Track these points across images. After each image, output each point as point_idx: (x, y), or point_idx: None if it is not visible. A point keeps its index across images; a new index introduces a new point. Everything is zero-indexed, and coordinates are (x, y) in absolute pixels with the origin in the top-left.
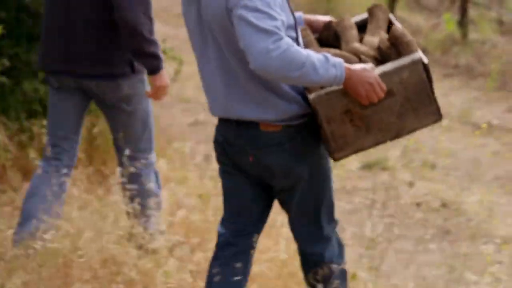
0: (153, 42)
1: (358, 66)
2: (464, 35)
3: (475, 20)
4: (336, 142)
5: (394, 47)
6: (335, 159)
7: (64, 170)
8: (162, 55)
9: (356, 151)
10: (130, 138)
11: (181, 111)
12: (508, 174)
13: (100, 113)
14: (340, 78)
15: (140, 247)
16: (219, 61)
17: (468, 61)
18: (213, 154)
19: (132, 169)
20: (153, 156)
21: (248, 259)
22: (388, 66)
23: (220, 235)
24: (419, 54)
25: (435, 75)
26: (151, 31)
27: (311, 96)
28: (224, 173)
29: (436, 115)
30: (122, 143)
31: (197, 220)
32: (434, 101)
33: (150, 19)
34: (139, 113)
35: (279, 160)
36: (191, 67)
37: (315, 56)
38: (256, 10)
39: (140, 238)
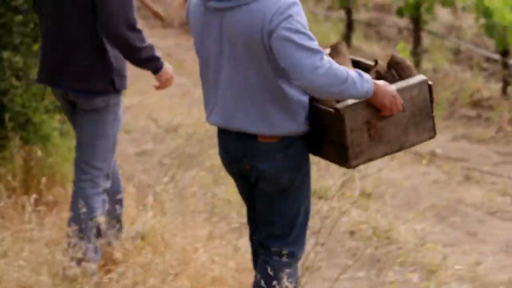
0: (147, 48)
1: (381, 82)
2: (417, 64)
3: (429, 50)
4: (354, 150)
5: (395, 70)
6: (351, 166)
7: None
8: (159, 54)
9: (368, 160)
10: (85, 155)
11: (127, 141)
12: (445, 203)
13: (38, 141)
14: (371, 92)
15: (56, 274)
16: (233, 74)
17: None
18: None
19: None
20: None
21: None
22: (399, 85)
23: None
24: (423, 76)
25: None
26: (141, 40)
27: (339, 106)
28: (235, 182)
29: (431, 132)
30: (78, 159)
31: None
32: (432, 118)
33: (136, 31)
34: (99, 134)
35: (272, 167)
36: (128, 98)
37: (352, 72)
38: (298, 31)
39: (58, 265)
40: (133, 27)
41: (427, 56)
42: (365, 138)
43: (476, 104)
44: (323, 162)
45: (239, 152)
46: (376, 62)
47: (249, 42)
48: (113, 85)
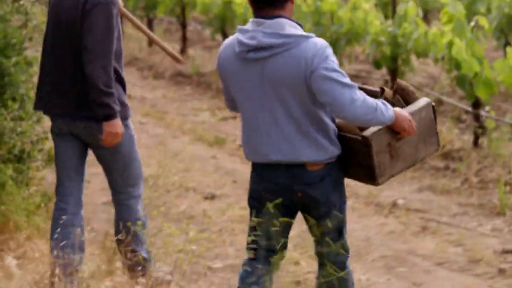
0: (107, 93)
1: (397, 109)
2: None
3: None
4: (380, 169)
5: (401, 96)
6: (378, 184)
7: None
8: (116, 106)
9: (390, 176)
10: (113, 176)
11: (97, 190)
12: (395, 254)
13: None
14: (393, 118)
15: None
16: (279, 112)
17: None
18: None
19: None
20: (138, 189)
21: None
22: (409, 109)
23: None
24: (427, 99)
25: None
26: (106, 84)
27: (367, 134)
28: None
29: (436, 145)
30: (112, 183)
31: None
32: (436, 134)
33: (107, 73)
34: (120, 153)
35: (321, 192)
36: None
37: (378, 102)
38: (335, 70)
39: None
40: (105, 70)
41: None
42: (387, 158)
43: (447, 155)
44: None
45: (289, 182)
46: (382, 89)
47: (292, 82)
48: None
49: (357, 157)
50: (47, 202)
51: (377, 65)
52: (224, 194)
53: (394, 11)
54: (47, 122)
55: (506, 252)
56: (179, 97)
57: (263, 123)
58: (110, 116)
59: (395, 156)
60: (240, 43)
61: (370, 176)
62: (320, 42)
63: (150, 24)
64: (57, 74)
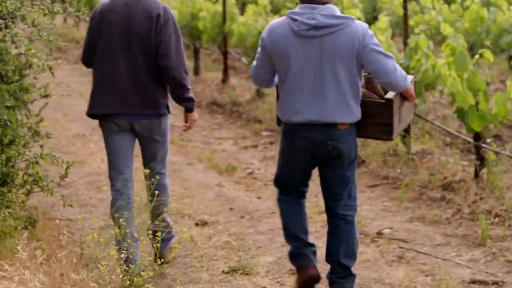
0: (190, 90)
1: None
2: (407, 147)
3: (419, 133)
4: (394, 127)
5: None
6: (393, 139)
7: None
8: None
9: (397, 134)
10: (157, 159)
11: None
12: (362, 282)
13: None
14: (409, 86)
15: None
16: (329, 82)
17: (400, 173)
18: None
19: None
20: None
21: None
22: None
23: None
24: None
25: (360, 187)
26: (189, 83)
27: (389, 97)
28: (294, 166)
29: (413, 113)
30: (151, 162)
31: None
32: (415, 104)
33: (187, 74)
34: (165, 143)
35: (346, 146)
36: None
37: (404, 72)
38: (379, 46)
39: None
40: (186, 72)
41: (417, 139)
42: (397, 118)
43: (446, 186)
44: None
45: (324, 137)
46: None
47: (346, 55)
48: (168, 109)
49: (377, 118)
50: (27, 225)
51: None
52: (217, 221)
53: (405, 43)
54: (35, 148)
55: (473, 282)
56: (209, 126)
57: (310, 90)
58: (193, 107)
59: (401, 118)
60: (300, 22)
61: (387, 132)
62: (364, 24)
63: (196, 54)
64: (128, 79)
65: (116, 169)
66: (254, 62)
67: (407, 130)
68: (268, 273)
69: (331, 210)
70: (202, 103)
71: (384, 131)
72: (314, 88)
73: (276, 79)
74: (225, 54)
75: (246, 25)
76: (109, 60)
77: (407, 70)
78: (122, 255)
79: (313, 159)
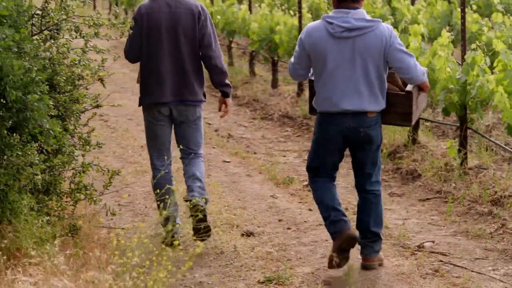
0: (227, 75)
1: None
2: (463, 161)
3: (476, 147)
4: (413, 115)
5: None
6: (412, 125)
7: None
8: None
9: (416, 120)
10: (194, 142)
11: None
12: None
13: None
14: (426, 79)
15: None
16: (361, 74)
17: (453, 187)
18: None
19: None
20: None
21: (335, 185)
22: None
23: (317, 180)
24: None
25: (411, 200)
26: (227, 70)
27: (410, 88)
28: (328, 151)
29: (425, 103)
30: (188, 145)
31: None
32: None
33: (222, 62)
34: (201, 127)
35: (375, 132)
36: None
37: (422, 68)
38: (402, 45)
39: None
40: (223, 61)
41: (475, 155)
42: (414, 107)
43: (496, 201)
44: None
45: (356, 124)
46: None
47: (375, 53)
48: (204, 96)
49: (397, 107)
50: (67, 232)
51: (445, 112)
52: (263, 232)
53: (463, 59)
54: (90, 157)
55: None
56: (276, 138)
57: (345, 83)
58: (230, 92)
59: (416, 106)
60: (336, 25)
61: (406, 119)
62: (389, 25)
63: (274, 66)
64: (174, 70)
65: (158, 151)
66: (292, 59)
67: (463, 145)
68: (302, 284)
69: (362, 187)
70: (274, 116)
71: (404, 119)
72: (348, 82)
73: (310, 74)
74: None
75: None
76: (158, 54)
77: (464, 85)
78: (164, 214)
79: (345, 144)
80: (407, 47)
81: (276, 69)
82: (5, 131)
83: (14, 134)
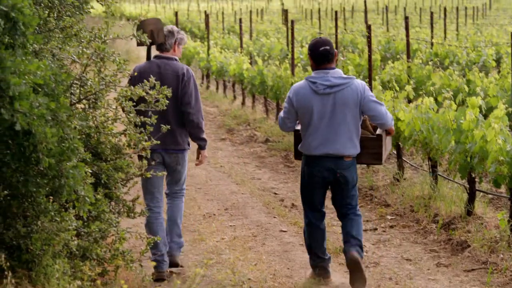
0: (204, 132)
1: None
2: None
3: None
4: (383, 155)
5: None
6: (382, 163)
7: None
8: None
9: (385, 159)
10: (178, 182)
11: None
12: None
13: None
14: (392, 124)
15: None
16: (340, 123)
17: (501, 258)
18: None
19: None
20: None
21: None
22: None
23: (307, 217)
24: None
25: (456, 271)
26: (203, 126)
27: (380, 132)
28: (313, 188)
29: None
30: (173, 185)
31: None
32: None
33: (203, 119)
34: (185, 170)
35: (350, 173)
36: None
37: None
38: (373, 96)
39: None
40: (202, 117)
41: None
42: (383, 148)
43: None
44: None
45: (334, 167)
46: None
47: (351, 104)
48: (188, 145)
49: (369, 148)
50: None
51: (496, 184)
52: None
53: None
54: (122, 222)
55: None
56: None
57: (327, 132)
58: (205, 146)
59: (385, 147)
60: (318, 84)
61: (377, 158)
62: (361, 81)
63: None
64: (170, 124)
65: (151, 194)
66: (282, 114)
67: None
68: None
69: (343, 214)
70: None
71: (375, 158)
72: (330, 130)
73: (296, 125)
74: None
75: None
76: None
77: None
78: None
79: (325, 181)
80: (463, 119)
81: None
82: (44, 198)
83: (51, 200)
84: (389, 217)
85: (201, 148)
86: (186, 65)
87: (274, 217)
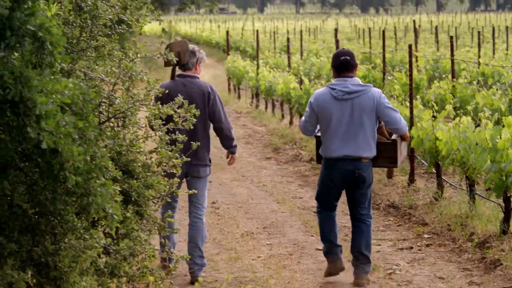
0: (234, 139)
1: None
2: None
3: None
4: (398, 158)
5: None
6: (398, 166)
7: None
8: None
9: (400, 162)
10: (198, 201)
11: None
12: None
13: None
14: (407, 129)
15: None
16: (358, 127)
17: None
18: None
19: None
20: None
21: (335, 216)
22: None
23: (321, 211)
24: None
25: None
26: (233, 136)
27: (395, 137)
28: (330, 188)
29: (407, 150)
30: (194, 202)
31: None
32: (409, 144)
33: (232, 129)
34: (205, 188)
35: (367, 174)
36: None
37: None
38: (389, 103)
39: None
40: (231, 129)
41: None
42: (399, 153)
43: None
44: None
45: (353, 168)
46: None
47: (368, 110)
48: (210, 161)
49: (384, 152)
50: None
51: None
52: None
53: None
54: (153, 240)
55: None
56: (377, 228)
57: (345, 135)
58: (236, 151)
59: (400, 152)
60: (338, 90)
61: (393, 161)
62: (377, 89)
63: None
64: (189, 141)
65: (168, 203)
66: (303, 118)
67: None
68: None
69: (355, 217)
70: (380, 206)
71: (391, 161)
72: (347, 134)
73: (317, 130)
74: (411, 158)
75: (423, 130)
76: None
77: None
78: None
79: (343, 183)
80: (499, 138)
81: None
82: (73, 215)
83: (79, 218)
84: (426, 235)
85: (232, 153)
86: (209, 83)
87: (312, 236)
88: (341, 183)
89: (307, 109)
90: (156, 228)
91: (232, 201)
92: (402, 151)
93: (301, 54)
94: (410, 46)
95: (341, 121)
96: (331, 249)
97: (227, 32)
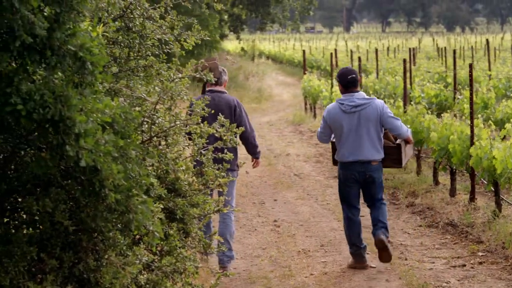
0: (258, 146)
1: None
2: None
3: None
4: (403, 160)
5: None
6: (402, 167)
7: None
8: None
9: (405, 163)
10: (228, 197)
11: None
12: None
13: None
14: (410, 135)
15: None
16: (365, 134)
17: None
18: None
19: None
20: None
21: (360, 222)
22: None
23: (345, 212)
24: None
25: None
26: (257, 143)
27: (399, 141)
28: (347, 187)
29: (413, 151)
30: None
31: None
32: (413, 147)
33: (255, 137)
34: (232, 188)
35: (377, 174)
36: None
37: (406, 127)
38: (391, 113)
39: None
40: (254, 135)
41: None
42: (404, 155)
43: None
44: None
45: (364, 170)
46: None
47: (373, 119)
48: (237, 167)
49: (391, 155)
50: None
51: None
52: None
53: None
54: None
55: None
56: (433, 245)
57: (354, 142)
58: (259, 156)
59: (405, 154)
60: (346, 104)
61: (398, 163)
62: (381, 100)
63: (452, 175)
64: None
65: None
66: (319, 129)
67: None
68: None
69: (372, 204)
70: (439, 224)
71: (396, 162)
72: (357, 141)
73: (332, 137)
74: (472, 176)
75: (481, 149)
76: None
77: None
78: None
79: (357, 181)
80: None
81: (454, 178)
82: (117, 232)
83: (122, 235)
84: (480, 253)
85: (257, 158)
86: (235, 97)
87: (367, 253)
88: (355, 182)
89: (321, 121)
90: (201, 245)
91: (293, 219)
92: (407, 152)
93: (377, 73)
94: (470, 65)
95: (351, 130)
96: (356, 251)
97: (304, 52)
